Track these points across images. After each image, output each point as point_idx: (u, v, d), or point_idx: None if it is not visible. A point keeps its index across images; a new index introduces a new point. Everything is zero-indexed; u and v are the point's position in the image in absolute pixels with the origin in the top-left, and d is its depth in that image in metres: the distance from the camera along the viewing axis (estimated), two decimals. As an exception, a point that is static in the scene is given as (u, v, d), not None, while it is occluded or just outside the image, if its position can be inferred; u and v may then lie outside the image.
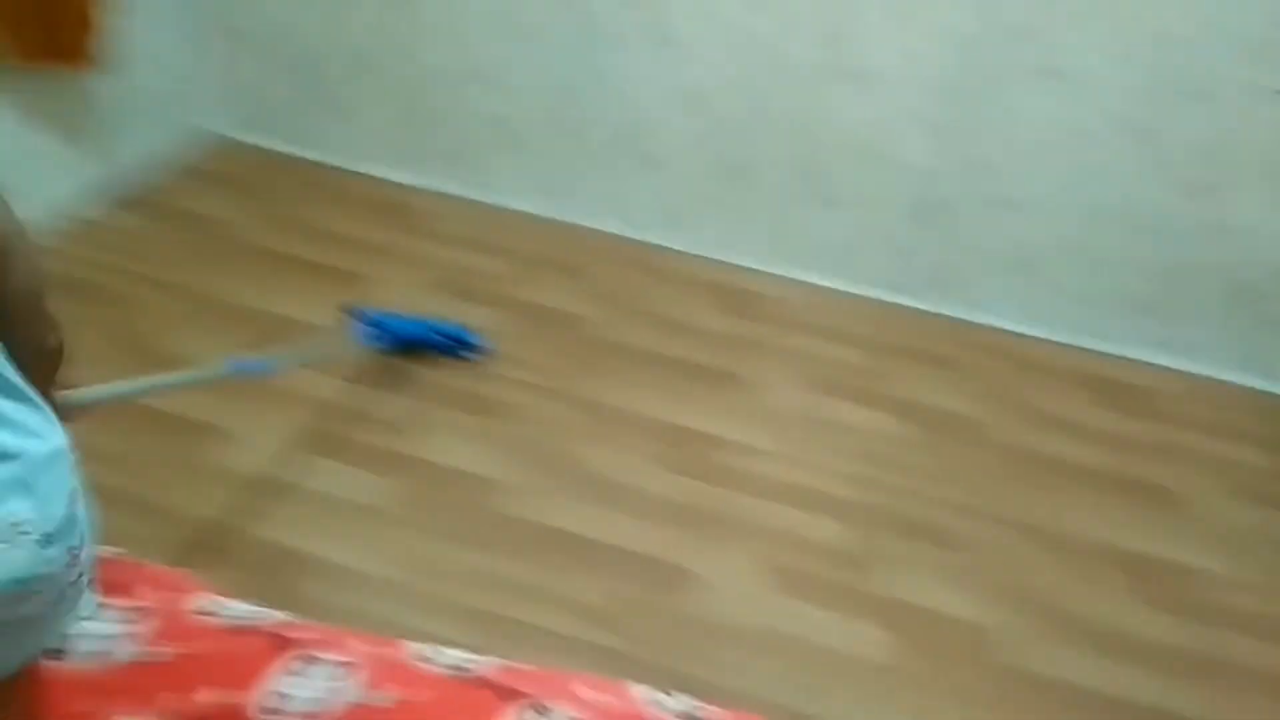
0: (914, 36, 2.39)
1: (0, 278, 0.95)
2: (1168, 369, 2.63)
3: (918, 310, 2.73)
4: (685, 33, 2.54)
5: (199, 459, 1.99)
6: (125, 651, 1.24)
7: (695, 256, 2.83)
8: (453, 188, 2.91)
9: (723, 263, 2.82)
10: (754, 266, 2.81)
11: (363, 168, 2.95)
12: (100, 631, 1.25)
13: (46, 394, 0.99)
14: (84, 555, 0.96)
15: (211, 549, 1.82)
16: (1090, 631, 1.91)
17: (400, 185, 2.92)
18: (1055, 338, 2.67)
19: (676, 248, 2.84)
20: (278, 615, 1.35)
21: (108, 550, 1.49)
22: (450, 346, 2.35)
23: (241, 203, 2.78)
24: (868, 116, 2.53)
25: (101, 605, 1.28)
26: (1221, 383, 2.61)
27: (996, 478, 2.23)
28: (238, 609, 1.35)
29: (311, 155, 2.97)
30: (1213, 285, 2.51)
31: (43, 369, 1.04)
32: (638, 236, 2.86)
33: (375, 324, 2.29)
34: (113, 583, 1.34)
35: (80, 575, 0.96)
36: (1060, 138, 2.43)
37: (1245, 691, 1.84)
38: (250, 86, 2.94)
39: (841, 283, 2.77)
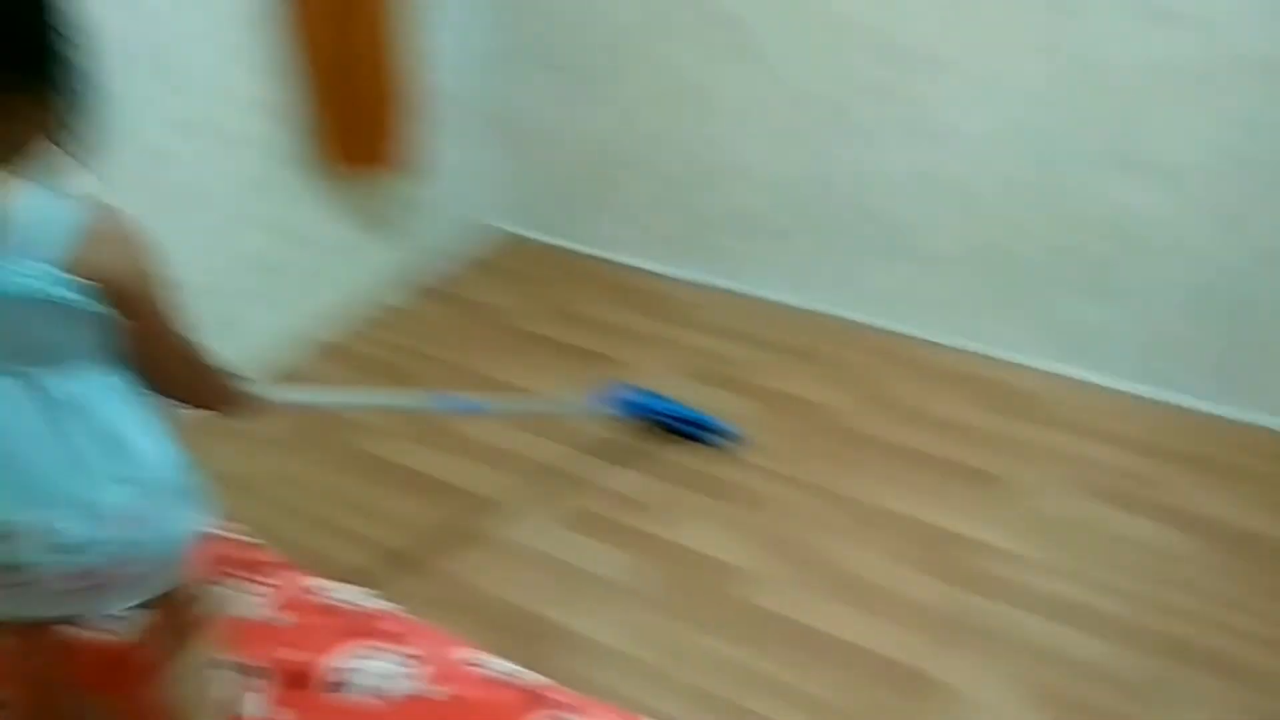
0: (1204, 123, 2.23)
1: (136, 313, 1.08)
2: None
3: (1203, 412, 2.49)
4: (943, 124, 2.51)
5: (468, 523, 2.14)
6: (403, 688, 1.39)
7: (954, 349, 2.74)
8: (711, 278, 3.00)
9: (983, 356, 2.71)
10: (1018, 360, 2.68)
11: (628, 259, 3.11)
12: (380, 670, 1.40)
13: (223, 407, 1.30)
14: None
15: (467, 608, 1.93)
16: None
17: (662, 276, 3.05)
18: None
19: (934, 339, 2.77)
20: (536, 677, 1.45)
21: (387, 605, 1.65)
22: (699, 430, 2.39)
23: (518, 291, 3.00)
24: (1150, 204, 2.37)
25: (379, 649, 1.46)
26: None
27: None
28: (500, 665, 1.45)
29: (582, 248, 3.17)
30: None
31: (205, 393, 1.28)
32: (895, 328, 2.81)
33: (625, 398, 2.37)
34: (389, 633, 1.48)
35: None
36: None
37: None
38: (529, 185, 3.20)
39: (1116, 380, 2.58)
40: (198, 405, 1.27)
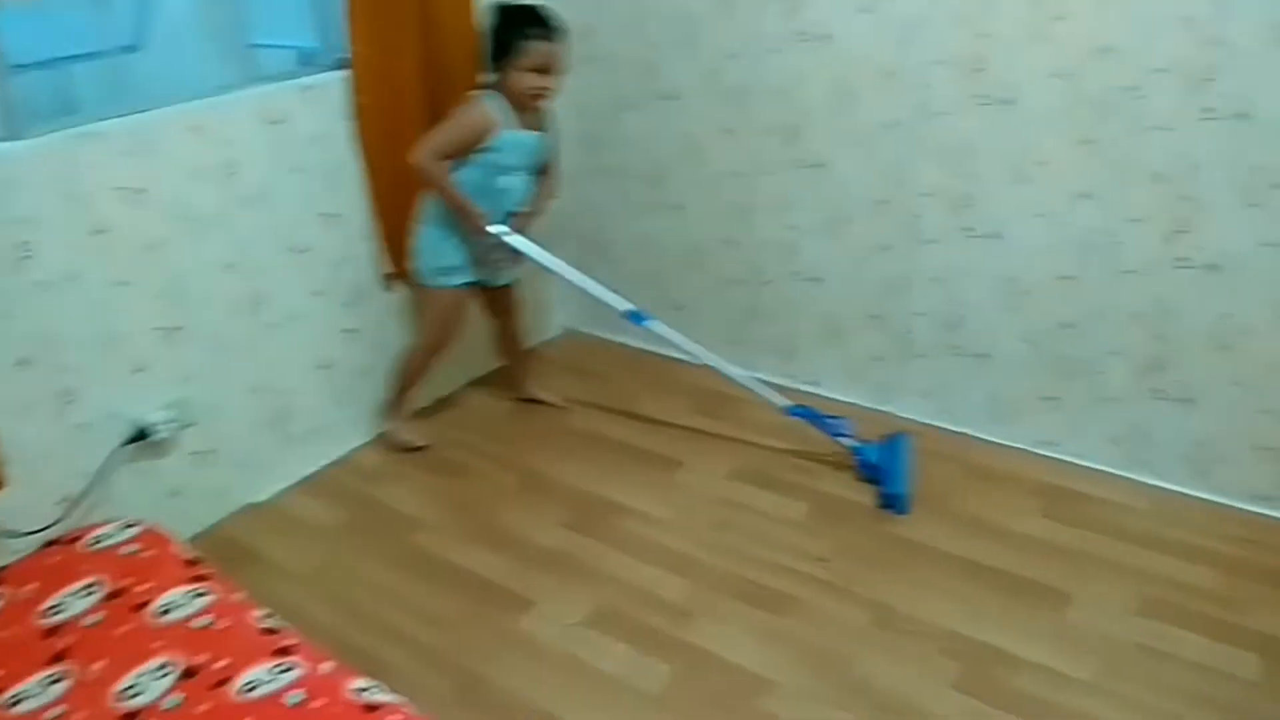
0: (1267, 220, 2.15)
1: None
2: None
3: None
4: (1009, 227, 2.50)
5: (504, 623, 2.19)
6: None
7: (1021, 452, 2.67)
8: (780, 379, 3.01)
9: (1052, 460, 2.62)
10: (1087, 465, 2.59)
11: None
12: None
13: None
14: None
15: (492, 707, 1.97)
16: None
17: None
18: None
19: (1001, 443, 2.70)
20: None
21: (396, 698, 1.69)
22: (887, 483, 2.52)
23: (585, 389, 3.10)
24: (1219, 304, 2.28)
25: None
26: None
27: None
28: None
29: (652, 347, 3.24)
30: None
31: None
32: (960, 430, 2.76)
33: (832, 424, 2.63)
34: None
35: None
36: None
37: None
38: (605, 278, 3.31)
39: (1192, 489, 2.45)
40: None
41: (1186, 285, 2.31)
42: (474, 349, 3.05)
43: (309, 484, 2.70)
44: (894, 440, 2.62)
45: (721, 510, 2.53)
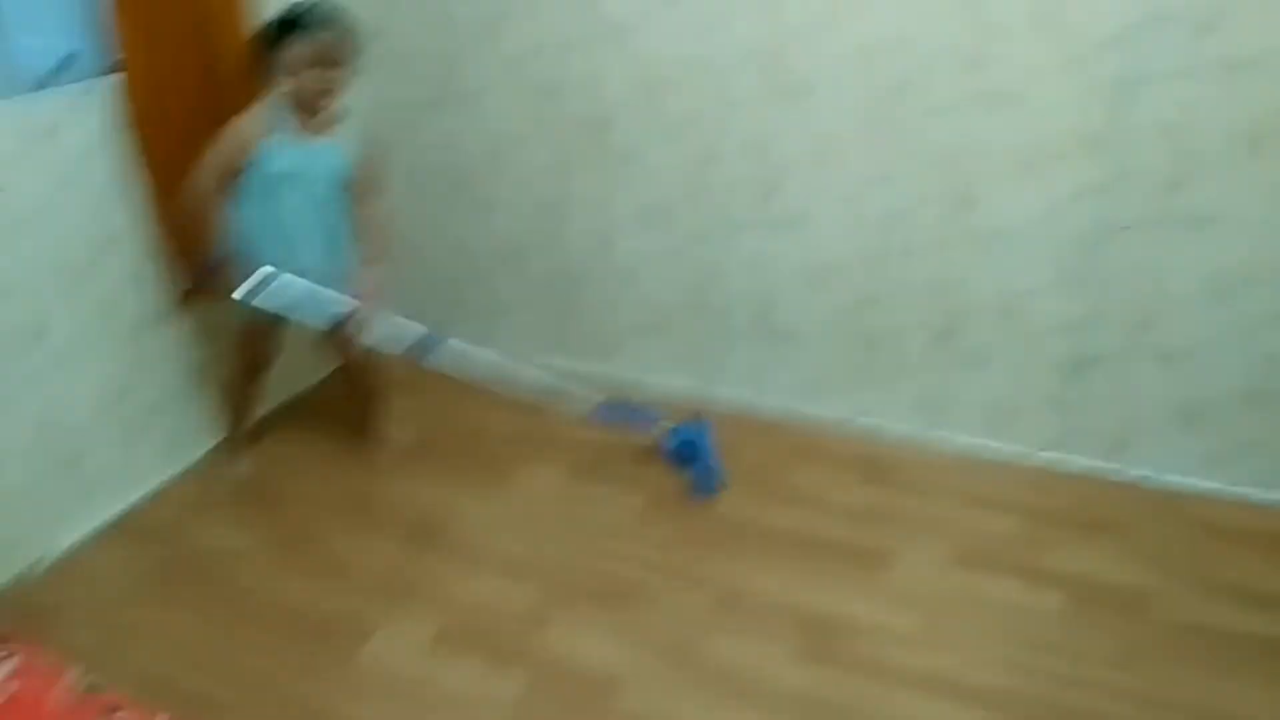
0: (1045, 190, 2.34)
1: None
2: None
3: (1078, 471, 2.57)
4: (812, 212, 2.60)
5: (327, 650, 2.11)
6: None
7: (836, 426, 2.80)
8: (603, 373, 3.03)
9: (866, 431, 2.77)
10: (898, 432, 2.75)
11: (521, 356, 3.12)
12: None
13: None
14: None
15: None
16: None
17: (550, 369, 3.07)
18: (1234, 492, 2.44)
19: (817, 418, 2.83)
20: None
21: None
22: (699, 464, 2.56)
23: (411, 403, 3.01)
24: (1007, 274, 2.46)
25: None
26: None
27: (1168, 660, 2.00)
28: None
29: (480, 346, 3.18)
30: None
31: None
32: (777, 409, 2.87)
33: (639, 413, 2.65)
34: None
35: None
36: (1220, 285, 2.27)
37: None
38: (416, 290, 3.22)
39: (992, 445, 2.65)
40: None
41: (971, 255, 2.48)
42: (298, 366, 2.90)
43: (114, 528, 2.49)
44: (696, 424, 2.65)
45: (559, 511, 2.53)
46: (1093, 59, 2.18)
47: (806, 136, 2.52)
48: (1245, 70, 2.07)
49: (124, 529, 2.49)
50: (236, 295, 2.26)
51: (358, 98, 2.38)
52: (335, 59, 2.23)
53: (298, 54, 2.19)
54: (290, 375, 2.94)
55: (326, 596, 2.25)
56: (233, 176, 2.24)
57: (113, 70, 2.33)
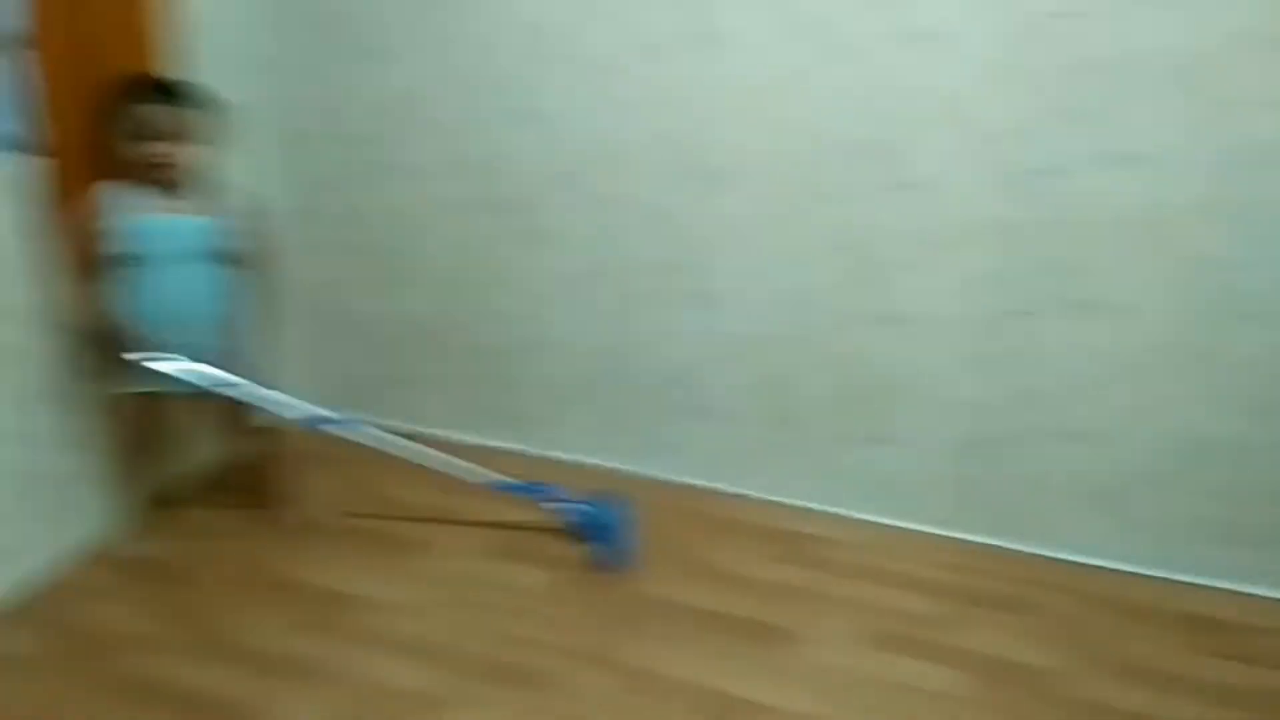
0: (944, 277, 2.40)
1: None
2: (1264, 599, 2.37)
3: (985, 549, 2.60)
4: (727, 290, 2.64)
5: None
6: None
7: (752, 502, 2.80)
8: (514, 445, 3.01)
9: (778, 506, 2.78)
10: (809, 508, 2.76)
11: (435, 431, 3.10)
12: None
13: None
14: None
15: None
16: None
17: (470, 445, 3.04)
18: (1136, 570, 2.49)
19: (734, 493, 2.82)
20: None
21: None
22: (610, 541, 2.54)
23: (323, 480, 2.94)
24: (910, 356, 2.51)
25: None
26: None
27: (1075, 742, 2.01)
28: None
29: (389, 422, 3.13)
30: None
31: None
32: (696, 484, 2.87)
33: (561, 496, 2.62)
34: None
35: None
36: (1114, 368, 2.34)
37: None
38: (334, 366, 3.18)
39: (901, 523, 2.68)
40: None
41: (879, 336, 2.53)
42: (197, 440, 2.83)
43: (-5, 609, 2.38)
44: (608, 500, 2.64)
45: (466, 590, 2.47)
46: (995, 150, 2.26)
47: (722, 217, 2.57)
48: (1137, 163, 2.16)
49: (9, 614, 2.38)
50: (122, 372, 2.23)
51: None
52: (178, 133, 2.25)
53: (136, 126, 2.22)
54: (189, 449, 2.86)
55: (220, 680, 2.16)
56: (97, 247, 2.23)
57: (40, 153, 2.27)
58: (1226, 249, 2.17)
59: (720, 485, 2.85)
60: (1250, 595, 2.42)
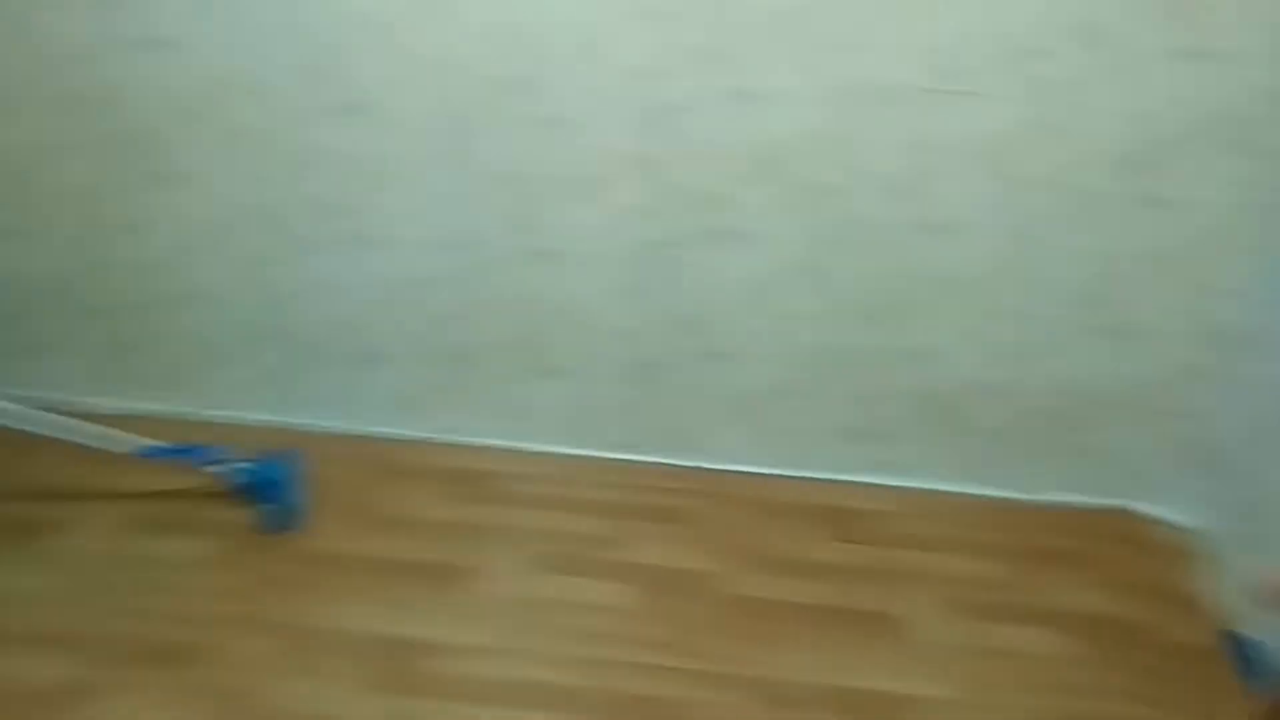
0: (594, 212, 2.46)
1: None
2: (891, 488, 2.70)
3: (651, 467, 2.73)
4: (387, 231, 2.55)
5: None
6: None
7: (428, 444, 2.78)
8: (165, 407, 2.79)
9: (456, 447, 2.77)
10: (488, 445, 2.78)
11: (73, 400, 2.79)
12: None
13: None
14: None
15: None
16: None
17: (115, 412, 2.77)
18: (781, 473, 2.71)
19: (408, 437, 2.79)
20: None
21: None
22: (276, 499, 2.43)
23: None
24: (570, 290, 2.57)
25: None
26: (936, 493, 2.69)
27: (724, 635, 2.20)
28: None
29: (23, 394, 2.80)
30: (910, 405, 2.62)
31: None
32: (367, 432, 2.80)
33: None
34: None
35: None
36: (751, 290, 2.52)
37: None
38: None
39: (575, 450, 2.76)
40: None
41: (540, 271, 2.56)
42: None
43: None
44: (275, 456, 2.53)
45: (108, 570, 2.28)
46: (633, 87, 2.32)
47: (377, 156, 2.46)
48: (760, 101, 2.30)
49: None
50: None
51: None
52: None
53: None
54: None
55: None
56: None
57: None
58: (840, 178, 2.38)
59: (396, 431, 2.79)
60: (880, 485, 2.72)
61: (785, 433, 2.69)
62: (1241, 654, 2.29)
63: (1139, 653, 2.25)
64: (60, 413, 2.33)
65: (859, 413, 2.65)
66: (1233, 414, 2.45)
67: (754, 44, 2.25)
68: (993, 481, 2.69)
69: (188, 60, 2.43)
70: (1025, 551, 2.52)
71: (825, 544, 2.51)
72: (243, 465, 2.47)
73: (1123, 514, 2.66)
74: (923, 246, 2.42)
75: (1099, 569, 2.49)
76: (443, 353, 2.70)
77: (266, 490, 2.45)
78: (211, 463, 2.46)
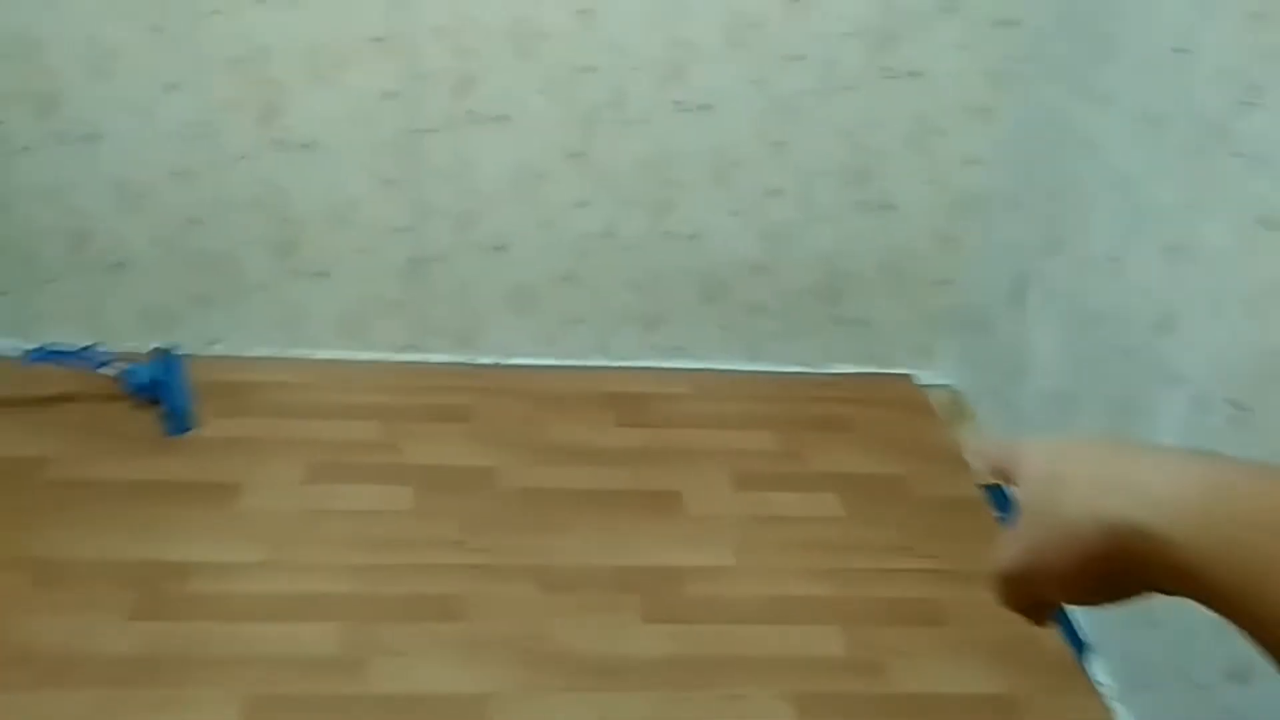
0: (344, 101, 2.31)
1: None
2: (675, 371, 2.73)
3: (432, 368, 2.66)
4: (110, 125, 2.31)
5: None
6: None
7: (194, 360, 2.59)
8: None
9: (226, 360, 2.60)
10: (263, 355, 2.62)
11: None
12: None
13: None
14: None
15: None
16: (602, 669, 1.90)
17: None
18: (564, 363, 2.70)
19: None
20: None
21: None
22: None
23: None
24: (327, 185, 2.42)
25: None
26: (720, 374, 2.75)
27: (509, 528, 2.19)
28: None
29: None
30: (687, 287, 2.63)
31: None
32: (110, 353, 2.58)
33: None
34: None
35: None
36: (522, 178, 2.44)
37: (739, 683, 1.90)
38: None
39: (350, 355, 2.65)
40: None
41: (287, 166, 2.39)
42: None
43: None
44: (165, 357, 2.42)
45: None
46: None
47: (90, 40, 2.21)
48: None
49: None
50: None
51: None
52: None
53: None
54: None
55: None
56: None
57: None
58: (597, 59, 2.31)
59: (147, 347, 2.59)
60: (664, 369, 2.75)
61: (565, 323, 2.67)
62: (1001, 504, 2.46)
63: (905, 507, 2.39)
64: None
65: (638, 299, 2.65)
66: (985, 277, 2.59)
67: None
68: (774, 358, 2.77)
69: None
70: (804, 421, 2.62)
71: (609, 430, 2.53)
72: (134, 367, 2.36)
73: (898, 380, 2.79)
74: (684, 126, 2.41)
75: (872, 433, 2.61)
76: (196, 260, 2.50)
77: (162, 392, 2.35)
78: (102, 364, 2.33)
